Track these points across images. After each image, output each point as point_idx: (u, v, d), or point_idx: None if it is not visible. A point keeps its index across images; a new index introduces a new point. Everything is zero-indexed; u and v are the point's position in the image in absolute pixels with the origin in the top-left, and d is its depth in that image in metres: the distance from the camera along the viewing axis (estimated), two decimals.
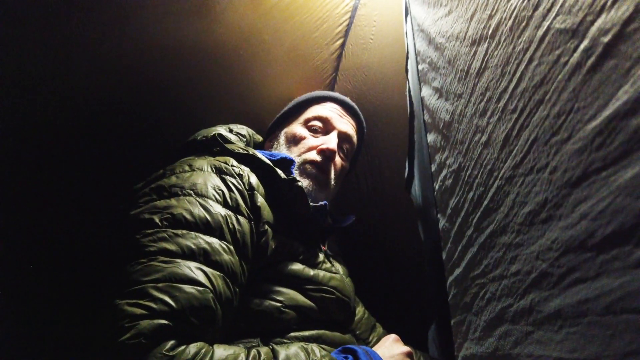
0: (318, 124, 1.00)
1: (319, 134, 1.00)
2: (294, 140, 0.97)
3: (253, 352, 0.59)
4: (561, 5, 0.35)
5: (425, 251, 0.89)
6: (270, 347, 0.63)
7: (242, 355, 0.58)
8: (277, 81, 1.21)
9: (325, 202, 0.88)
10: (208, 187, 0.69)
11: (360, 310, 0.99)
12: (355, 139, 1.07)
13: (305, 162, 0.93)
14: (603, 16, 0.29)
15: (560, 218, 0.33)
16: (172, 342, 0.52)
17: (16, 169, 0.77)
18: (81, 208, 0.88)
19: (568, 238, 0.31)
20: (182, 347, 0.53)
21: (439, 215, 0.72)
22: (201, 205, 0.65)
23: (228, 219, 0.66)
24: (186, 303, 0.55)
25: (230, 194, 0.70)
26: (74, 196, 0.87)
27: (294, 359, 0.60)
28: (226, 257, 0.63)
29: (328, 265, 0.87)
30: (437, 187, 0.73)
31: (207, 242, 0.62)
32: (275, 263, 0.77)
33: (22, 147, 0.77)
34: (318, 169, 0.93)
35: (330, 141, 0.96)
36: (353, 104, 1.09)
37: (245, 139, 0.97)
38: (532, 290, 0.38)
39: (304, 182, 0.90)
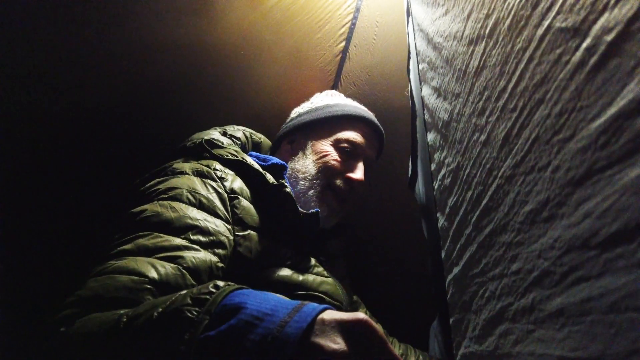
0: (348, 146, 1.00)
1: (346, 156, 1.00)
2: (323, 159, 0.97)
3: None
4: (561, 4, 0.35)
5: (428, 249, 0.89)
6: None
7: None
8: (278, 82, 1.20)
9: (317, 209, 0.88)
10: (183, 190, 0.70)
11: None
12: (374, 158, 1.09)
13: (328, 186, 0.94)
14: (606, 14, 0.29)
15: (562, 217, 0.33)
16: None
17: (12, 169, 0.76)
18: (80, 209, 0.87)
19: (571, 236, 0.31)
20: None
21: (438, 214, 0.72)
22: (171, 208, 0.67)
23: (200, 222, 0.67)
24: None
25: (207, 197, 0.71)
26: (71, 196, 0.86)
27: None
28: (188, 254, 0.63)
29: (320, 269, 0.86)
30: (436, 186, 0.73)
31: (167, 240, 0.63)
32: (263, 269, 0.77)
33: (19, 146, 0.77)
34: (338, 199, 0.95)
35: (359, 171, 0.98)
36: (381, 127, 1.09)
37: (239, 142, 0.97)
38: (533, 288, 0.38)
39: (318, 206, 0.90)
